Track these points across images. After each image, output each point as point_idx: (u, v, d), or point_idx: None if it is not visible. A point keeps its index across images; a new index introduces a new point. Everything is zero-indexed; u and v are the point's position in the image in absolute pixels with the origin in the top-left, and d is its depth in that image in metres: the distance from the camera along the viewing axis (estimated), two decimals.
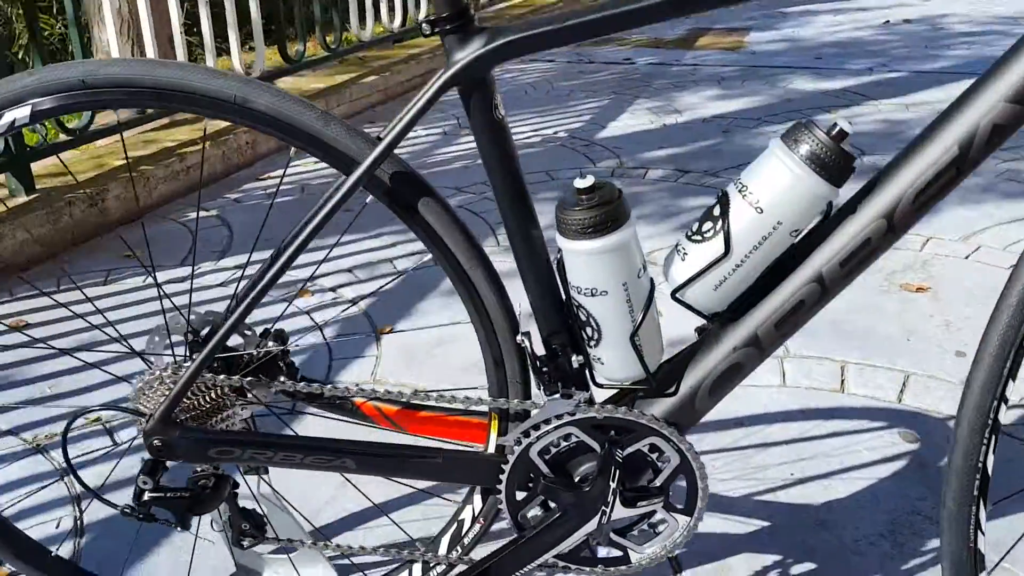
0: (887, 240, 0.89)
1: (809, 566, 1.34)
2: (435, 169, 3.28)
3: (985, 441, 0.86)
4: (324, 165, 3.34)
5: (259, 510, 1.08)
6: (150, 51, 3.10)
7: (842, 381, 1.82)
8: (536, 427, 0.96)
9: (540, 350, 0.98)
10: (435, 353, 1.99)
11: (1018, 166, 3.02)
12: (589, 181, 0.89)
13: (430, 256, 1.20)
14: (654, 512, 1.02)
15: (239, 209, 2.92)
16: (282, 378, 1.03)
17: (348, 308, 2.18)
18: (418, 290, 2.31)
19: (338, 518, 1.46)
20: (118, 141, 3.08)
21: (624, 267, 0.90)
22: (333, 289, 2.31)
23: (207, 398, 0.97)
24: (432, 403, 1.00)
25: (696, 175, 3.12)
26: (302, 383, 1.02)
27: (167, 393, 0.94)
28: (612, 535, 1.03)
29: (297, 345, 2.02)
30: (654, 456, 0.99)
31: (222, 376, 0.96)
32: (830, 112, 3.85)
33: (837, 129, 0.87)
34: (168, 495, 0.96)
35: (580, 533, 1.00)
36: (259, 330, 1.04)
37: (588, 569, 1.04)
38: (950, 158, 0.85)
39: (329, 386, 1.03)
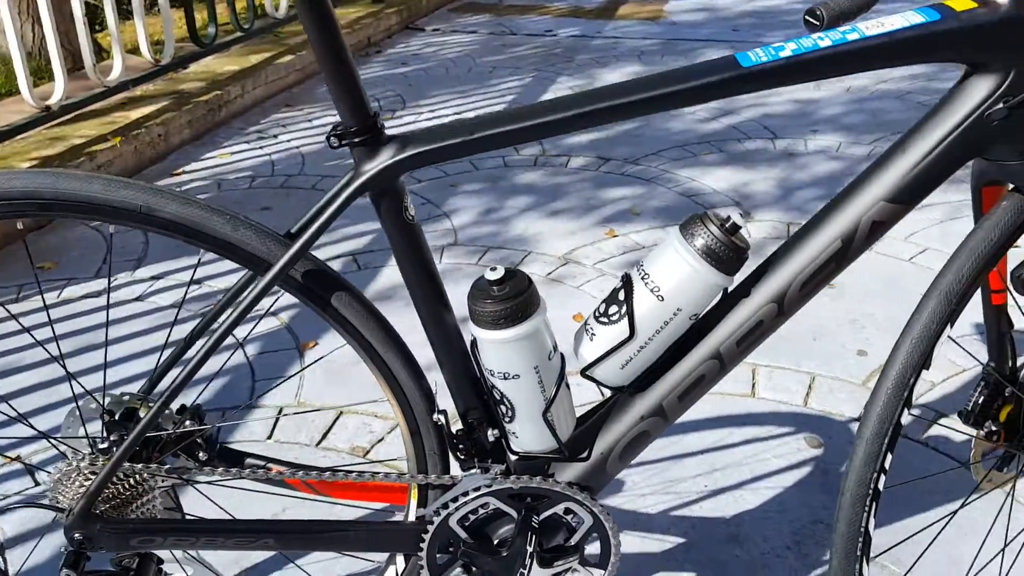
0: (778, 321, 0.95)
1: None
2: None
3: (866, 509, 0.93)
4: (240, 159, 3.29)
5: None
6: (49, 35, 2.96)
7: (753, 385, 1.91)
8: (455, 499, 1.00)
9: (457, 424, 1.02)
10: (361, 369, 2.01)
11: None
12: (500, 273, 0.92)
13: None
14: (570, 569, 1.07)
15: None
16: (202, 454, 1.04)
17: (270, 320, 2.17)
18: None
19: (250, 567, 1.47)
20: (23, 139, 2.96)
21: (535, 352, 0.94)
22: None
23: (127, 485, 0.98)
24: (352, 476, 1.03)
25: (617, 163, 3.16)
26: (221, 460, 1.04)
27: (85, 485, 0.95)
28: None
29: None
30: (569, 518, 1.05)
31: (141, 465, 0.97)
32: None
33: (730, 223, 0.91)
34: None
35: None
36: (177, 407, 1.05)
37: None
38: (833, 251, 0.91)
39: (249, 461, 1.05)
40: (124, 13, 4.48)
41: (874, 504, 0.94)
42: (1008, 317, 1.06)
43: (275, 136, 3.52)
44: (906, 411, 0.91)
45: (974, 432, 1.10)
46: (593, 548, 1.08)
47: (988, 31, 0.82)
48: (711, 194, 2.88)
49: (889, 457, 0.92)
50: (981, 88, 0.85)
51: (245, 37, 3.98)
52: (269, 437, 1.77)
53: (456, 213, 2.78)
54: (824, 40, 0.83)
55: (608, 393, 1.04)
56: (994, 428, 1.11)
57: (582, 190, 2.94)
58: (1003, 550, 1.31)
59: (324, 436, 1.75)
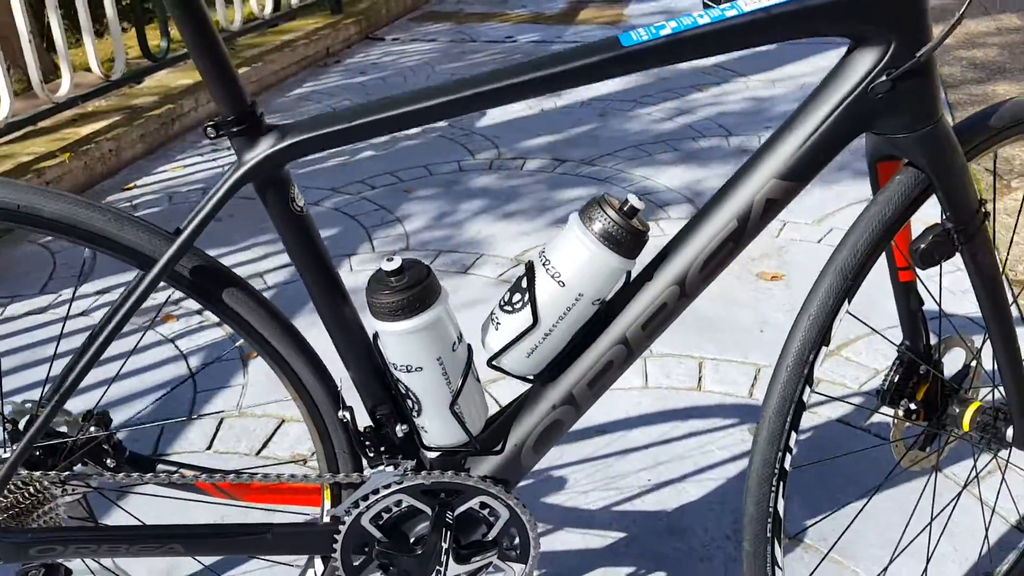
0: (682, 303, 0.94)
1: (660, 575, 1.42)
2: (310, 168, 3.23)
3: (773, 488, 0.93)
4: (193, 171, 3.26)
5: None
6: None
7: (699, 379, 1.91)
8: (365, 497, 0.98)
9: (366, 421, 1.00)
10: None
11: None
12: (397, 263, 0.90)
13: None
14: (490, 563, 1.06)
15: None
16: (109, 461, 1.02)
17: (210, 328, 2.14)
18: (287, 307, 2.29)
19: None
20: None
21: (437, 343, 0.92)
22: (200, 312, 2.27)
23: (26, 494, 0.96)
24: (258, 477, 1.01)
25: (572, 164, 3.16)
26: (128, 466, 1.02)
27: None
28: None
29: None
30: (485, 512, 1.03)
31: (39, 472, 0.95)
32: (701, 91, 3.94)
33: (628, 206, 0.90)
34: None
35: None
36: (82, 413, 1.03)
37: None
38: (730, 231, 0.90)
39: (161, 467, 1.03)
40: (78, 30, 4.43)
41: (781, 484, 0.93)
42: (917, 295, 1.06)
43: (228, 148, 3.49)
44: (808, 389, 0.90)
45: (891, 412, 1.10)
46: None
47: (865, 3, 0.81)
48: (664, 192, 2.88)
49: (794, 436, 0.92)
50: (864, 61, 0.85)
51: None
52: (208, 447, 1.74)
53: (409, 219, 2.77)
54: (703, 18, 0.83)
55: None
56: (913, 407, 1.10)
57: (536, 192, 2.93)
58: (929, 525, 1.31)
59: (264, 445, 1.73)
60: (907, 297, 1.06)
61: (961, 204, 0.91)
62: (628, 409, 1.82)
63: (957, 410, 1.10)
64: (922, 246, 0.92)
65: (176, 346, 2.11)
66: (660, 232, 2.58)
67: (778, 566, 0.96)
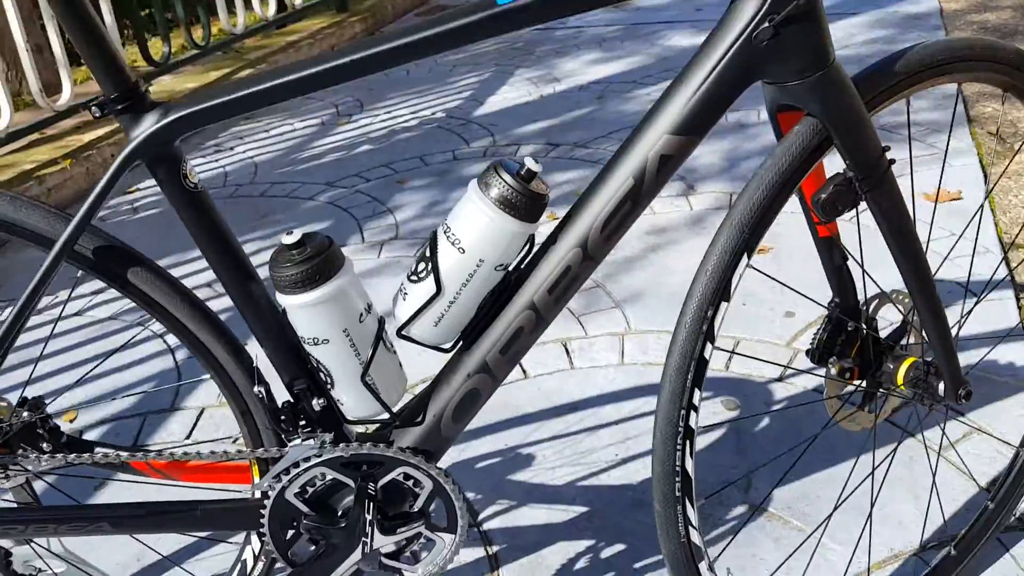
0: (586, 267, 0.93)
1: (619, 548, 1.41)
2: (308, 165, 3.26)
3: (679, 447, 0.92)
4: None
5: (48, 570, 1.11)
6: None
7: None
8: (286, 471, 1.00)
9: (284, 396, 1.01)
10: None
11: None
12: (297, 236, 0.91)
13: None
14: (420, 534, 1.06)
15: (106, 228, 2.87)
16: (44, 445, 1.05)
17: None
18: None
19: (142, 568, 1.46)
20: None
21: (342, 315, 0.93)
22: None
23: None
24: (187, 455, 1.03)
25: (566, 148, 3.15)
26: (65, 449, 1.04)
27: None
28: (385, 560, 1.07)
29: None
30: (410, 483, 1.04)
31: None
32: None
33: (525, 170, 0.90)
34: None
35: (347, 564, 1.04)
36: (16, 399, 1.05)
37: None
38: (627, 189, 0.89)
39: (99, 451, 1.05)
40: None
41: (687, 443, 0.92)
42: (840, 250, 1.04)
43: (231, 148, 3.54)
44: (709, 345, 0.89)
45: (822, 370, 1.08)
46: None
47: None
48: None
49: (697, 394, 0.91)
50: (747, 9, 0.83)
51: (202, 54, 4.01)
52: (188, 436, 1.77)
53: (400, 209, 2.78)
54: None
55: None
56: (846, 366, 1.09)
57: None
58: (871, 474, 1.29)
59: None
60: (830, 253, 1.04)
61: (861, 153, 0.89)
62: (603, 385, 1.81)
63: (891, 367, 1.08)
64: (823, 196, 0.90)
65: (164, 340, 2.14)
66: (651, 212, 2.56)
67: (692, 526, 0.96)
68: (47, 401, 1.09)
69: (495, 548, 1.43)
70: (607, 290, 2.14)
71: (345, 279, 0.93)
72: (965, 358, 1.69)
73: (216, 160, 3.41)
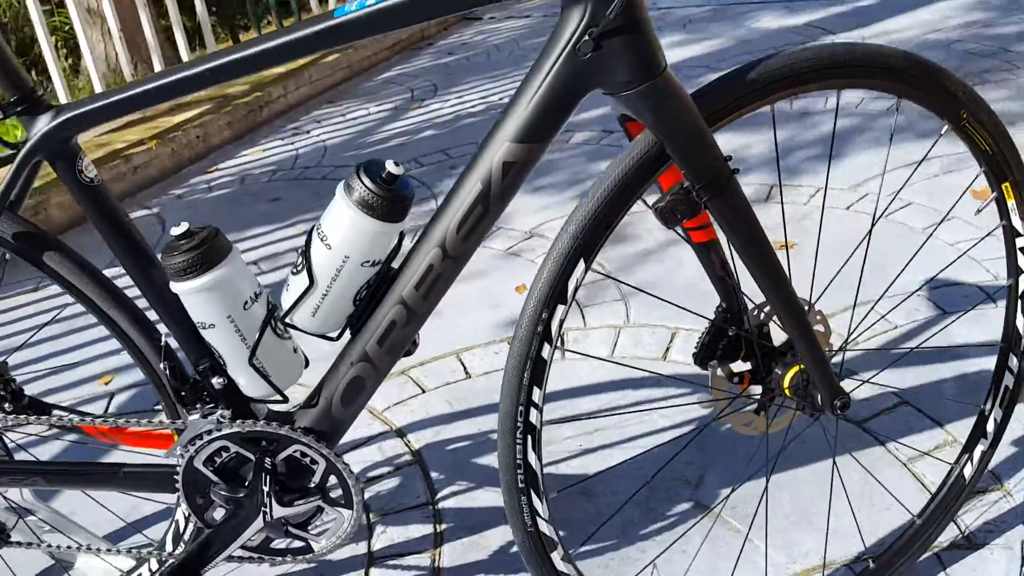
0: (448, 265, 0.97)
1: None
2: (373, 149, 3.39)
3: (519, 441, 0.95)
4: (270, 154, 3.50)
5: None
6: (118, 45, 3.29)
7: (667, 349, 1.89)
8: (192, 442, 1.10)
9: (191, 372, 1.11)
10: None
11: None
12: (183, 227, 1.00)
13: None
14: (323, 508, 1.14)
15: (180, 205, 3.10)
16: (7, 406, 1.19)
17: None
18: None
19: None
20: None
21: (225, 302, 1.01)
22: None
23: None
24: (122, 422, 1.14)
25: (619, 135, 3.15)
26: (27, 410, 1.18)
27: None
28: (293, 529, 1.16)
29: None
30: (306, 460, 1.12)
31: None
32: None
33: (386, 172, 0.95)
34: None
35: (251, 530, 1.14)
36: None
37: (280, 559, 1.18)
38: (476, 194, 0.93)
39: (56, 414, 1.19)
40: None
41: (529, 437, 0.96)
42: (719, 255, 1.04)
43: (308, 132, 3.72)
44: (547, 345, 0.92)
45: (707, 372, 1.09)
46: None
47: None
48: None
49: (537, 392, 0.94)
50: (571, 20, 0.85)
51: None
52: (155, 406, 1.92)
53: (444, 194, 2.86)
54: None
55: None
56: (736, 370, 1.09)
57: (572, 166, 2.95)
58: (772, 456, 1.27)
59: None
60: (708, 258, 1.04)
61: (697, 164, 0.89)
62: (585, 377, 1.84)
63: (779, 373, 1.07)
64: (660, 205, 0.91)
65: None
66: None
67: (539, 516, 0.99)
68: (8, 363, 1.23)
69: (443, 527, 1.50)
70: (617, 282, 2.15)
71: (229, 268, 1.01)
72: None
73: (291, 143, 3.60)
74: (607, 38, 0.84)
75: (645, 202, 0.93)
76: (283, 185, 3.15)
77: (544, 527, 1.01)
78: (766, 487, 1.43)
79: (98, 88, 3.53)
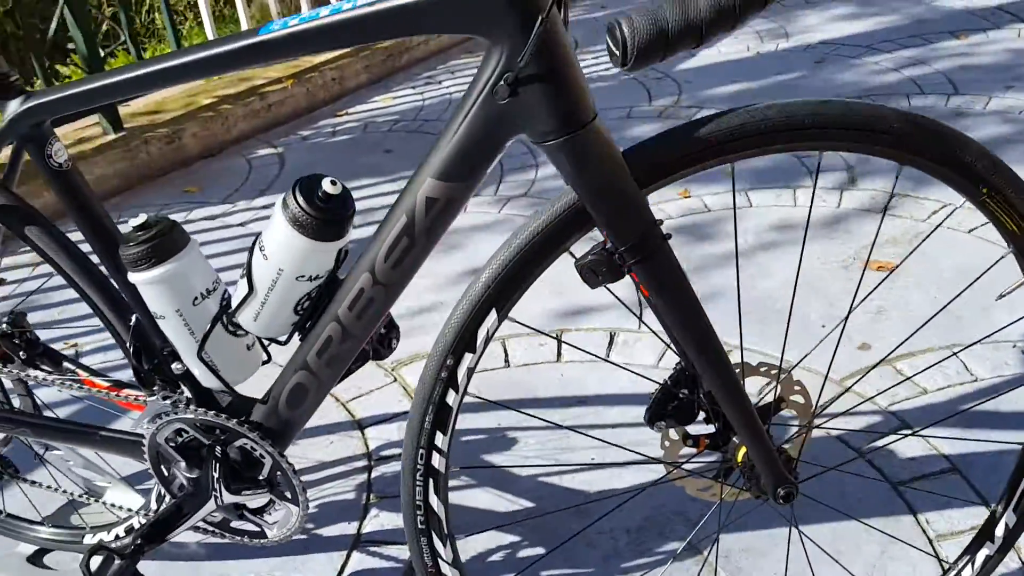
0: (379, 291, 0.94)
1: (537, 552, 1.41)
2: None
3: (419, 483, 0.92)
4: (398, 103, 3.54)
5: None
6: None
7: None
8: (152, 420, 1.14)
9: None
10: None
11: None
12: (141, 219, 1.02)
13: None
14: (272, 501, 1.17)
15: (303, 147, 3.21)
16: (22, 354, 1.28)
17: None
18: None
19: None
20: (220, 79, 3.47)
21: (174, 296, 1.03)
22: None
23: None
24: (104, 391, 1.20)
25: None
26: (42, 359, 1.27)
27: None
28: (248, 514, 1.20)
29: None
30: (256, 454, 1.14)
31: None
32: (958, 37, 3.40)
33: (321, 191, 0.93)
34: None
35: (205, 510, 1.18)
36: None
37: (238, 538, 1.23)
38: (402, 226, 0.89)
39: (66, 366, 1.27)
40: None
41: (430, 480, 0.92)
42: None
43: (440, 82, 3.73)
44: (452, 392, 0.88)
45: (656, 432, 1.01)
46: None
47: (461, 3, 0.75)
48: (818, 156, 2.60)
49: (440, 436, 0.90)
50: (490, 62, 0.78)
51: None
52: None
53: (545, 165, 2.80)
54: (323, 11, 0.82)
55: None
56: (691, 434, 1.00)
57: None
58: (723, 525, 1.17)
59: None
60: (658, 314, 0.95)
61: (620, 226, 0.80)
62: (624, 385, 1.76)
63: (736, 443, 0.97)
64: (582, 262, 0.83)
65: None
66: (790, 202, 2.36)
67: (441, 558, 0.96)
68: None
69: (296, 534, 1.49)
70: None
71: (179, 264, 1.02)
72: None
73: (421, 93, 3.62)
74: (523, 84, 0.76)
75: (572, 254, 0.86)
76: (399, 137, 3.19)
77: (446, 569, 0.98)
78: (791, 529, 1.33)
79: (244, 21, 3.68)
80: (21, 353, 1.29)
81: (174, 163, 3.08)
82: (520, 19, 0.74)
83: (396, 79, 3.82)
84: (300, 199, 0.93)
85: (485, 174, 0.85)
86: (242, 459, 1.15)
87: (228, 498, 1.15)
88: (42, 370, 1.30)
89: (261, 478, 1.15)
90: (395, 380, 1.86)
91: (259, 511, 1.20)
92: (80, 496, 1.40)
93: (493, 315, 0.86)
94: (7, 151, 1.09)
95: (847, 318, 1.83)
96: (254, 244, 1.00)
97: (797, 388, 1.01)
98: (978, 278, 1.85)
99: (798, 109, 0.82)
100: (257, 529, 1.21)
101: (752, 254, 2.15)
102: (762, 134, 0.80)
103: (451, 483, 1.57)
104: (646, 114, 3.09)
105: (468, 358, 0.88)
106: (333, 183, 0.93)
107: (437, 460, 0.92)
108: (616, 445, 1.37)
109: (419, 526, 0.95)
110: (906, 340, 1.71)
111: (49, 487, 1.35)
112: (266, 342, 1.13)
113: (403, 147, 3.09)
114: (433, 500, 0.94)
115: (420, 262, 0.92)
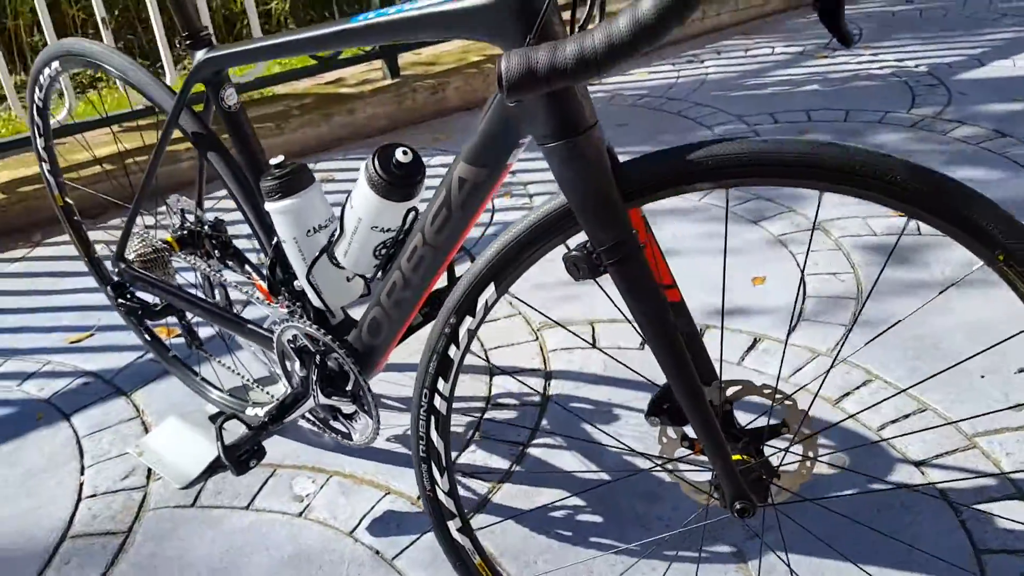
0: (428, 251, 1.09)
1: (597, 519, 1.51)
2: (744, 93, 3.31)
3: (422, 418, 1.06)
4: (652, 78, 3.59)
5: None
6: None
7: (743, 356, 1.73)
8: (276, 323, 1.39)
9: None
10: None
11: None
12: (279, 158, 1.25)
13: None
14: (354, 409, 1.38)
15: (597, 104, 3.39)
16: (208, 248, 1.60)
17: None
18: None
19: None
20: None
21: (293, 226, 1.25)
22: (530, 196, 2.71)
23: (151, 252, 1.59)
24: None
25: (1008, 141, 2.68)
26: (229, 258, 1.59)
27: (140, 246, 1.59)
28: (341, 416, 1.42)
29: None
30: (345, 368, 1.35)
31: (153, 233, 1.57)
32: None
33: (394, 160, 1.09)
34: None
35: (306, 405, 1.42)
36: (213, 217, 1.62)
37: (335, 435, 1.46)
38: (443, 198, 1.03)
39: (246, 266, 1.57)
40: None
41: (432, 417, 1.06)
42: (687, 319, 0.99)
43: (701, 61, 3.73)
44: (453, 346, 1.01)
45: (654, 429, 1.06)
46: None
47: (483, 11, 0.85)
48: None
49: (442, 383, 1.03)
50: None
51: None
52: None
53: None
54: (391, 10, 0.96)
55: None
56: (688, 436, 1.05)
57: (933, 163, 2.61)
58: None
59: None
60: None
61: (599, 230, 0.87)
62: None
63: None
64: (568, 257, 0.91)
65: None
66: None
67: (437, 486, 1.10)
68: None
69: (517, 469, 1.64)
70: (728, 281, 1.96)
71: (299, 200, 1.24)
72: None
73: (678, 70, 3.65)
74: None
75: (567, 246, 0.95)
76: (639, 112, 3.26)
77: (442, 497, 1.13)
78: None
79: None
80: (216, 252, 1.61)
81: (435, 112, 3.41)
82: (522, 29, 0.84)
83: (663, 53, 3.87)
84: (376, 164, 1.10)
85: (506, 166, 0.96)
86: (335, 369, 1.37)
87: (323, 400, 1.38)
88: (230, 269, 1.61)
89: (348, 389, 1.37)
90: (536, 339, 2.00)
91: (349, 417, 1.42)
92: (251, 381, 1.72)
93: (492, 288, 0.97)
94: (198, 90, 1.36)
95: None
96: (349, 195, 1.19)
97: (796, 410, 1.01)
98: None
99: (791, 147, 0.84)
100: (347, 431, 1.44)
101: (942, 287, 2.01)
102: (743, 166, 0.83)
103: (543, 444, 1.70)
104: (900, 121, 2.90)
105: (469, 320, 1.00)
106: (405, 152, 1.09)
107: (439, 402, 1.06)
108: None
109: (420, 454, 1.10)
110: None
111: (232, 370, 1.67)
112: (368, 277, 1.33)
113: (638, 122, 3.16)
114: (433, 435, 1.08)
115: (459, 232, 1.06)
